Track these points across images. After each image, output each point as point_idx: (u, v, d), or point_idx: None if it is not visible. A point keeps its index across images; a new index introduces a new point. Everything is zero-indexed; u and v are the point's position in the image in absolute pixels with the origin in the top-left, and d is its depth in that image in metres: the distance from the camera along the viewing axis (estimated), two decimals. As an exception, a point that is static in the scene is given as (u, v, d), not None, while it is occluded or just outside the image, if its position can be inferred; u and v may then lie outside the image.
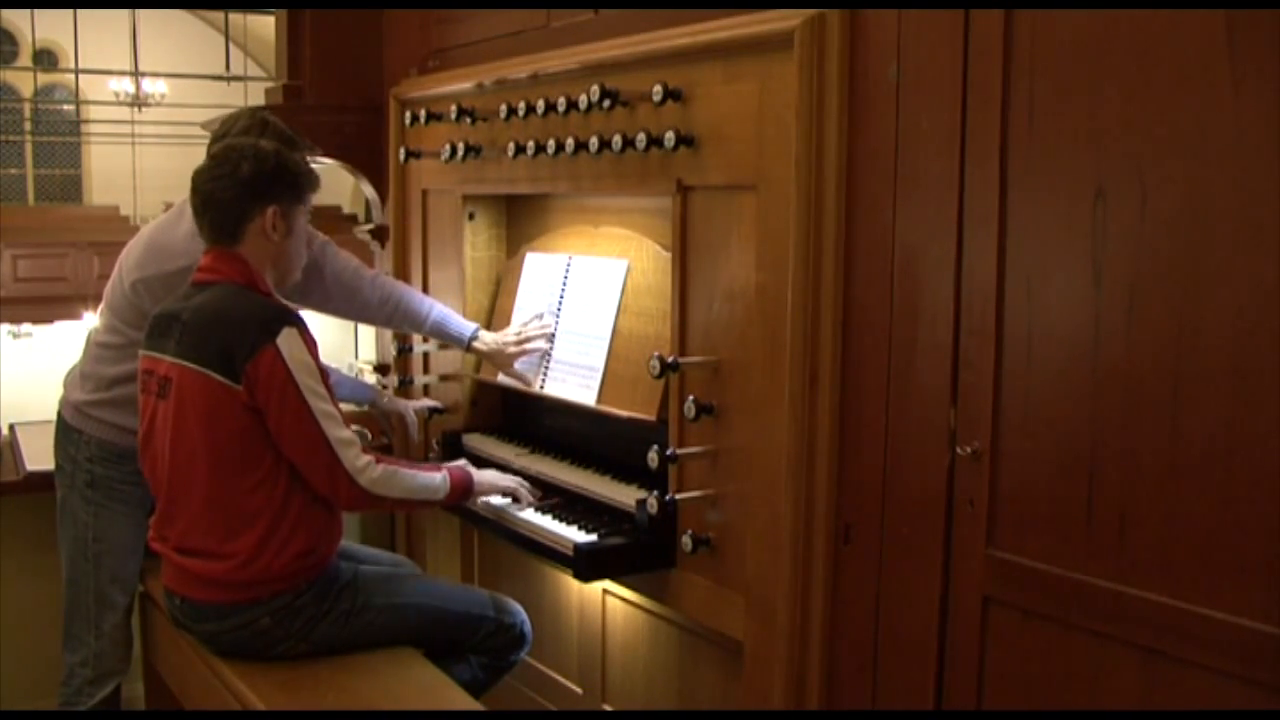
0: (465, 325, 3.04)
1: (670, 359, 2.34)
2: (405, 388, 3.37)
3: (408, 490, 2.50)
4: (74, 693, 2.89)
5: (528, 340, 2.91)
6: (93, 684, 2.89)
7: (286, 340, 2.35)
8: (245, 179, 2.45)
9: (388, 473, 2.45)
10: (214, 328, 2.38)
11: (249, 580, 2.39)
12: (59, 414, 2.94)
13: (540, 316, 2.93)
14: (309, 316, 2.58)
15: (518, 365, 2.93)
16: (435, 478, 2.56)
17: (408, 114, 3.27)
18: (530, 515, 2.64)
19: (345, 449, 2.39)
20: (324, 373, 2.43)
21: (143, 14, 15.12)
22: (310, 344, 2.40)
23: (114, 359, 2.83)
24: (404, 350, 3.36)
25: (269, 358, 2.33)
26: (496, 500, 2.70)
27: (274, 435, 2.37)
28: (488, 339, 2.98)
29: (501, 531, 2.70)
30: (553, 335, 2.90)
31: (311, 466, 2.39)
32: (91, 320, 13.74)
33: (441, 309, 3.06)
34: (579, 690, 2.96)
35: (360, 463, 2.41)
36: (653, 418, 2.53)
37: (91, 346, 2.92)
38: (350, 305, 3.03)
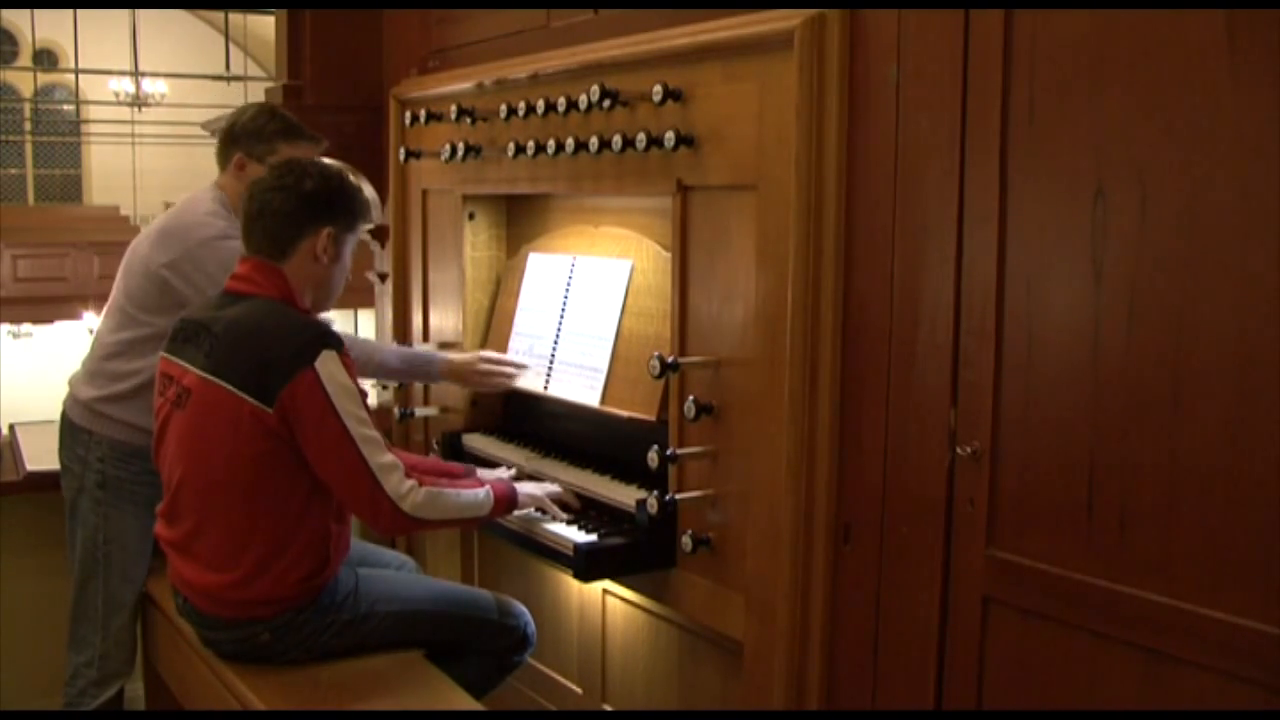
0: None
1: (670, 359, 2.34)
2: (402, 390, 3.37)
3: (451, 510, 2.39)
4: (78, 693, 2.88)
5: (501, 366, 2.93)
6: (98, 685, 2.88)
7: (325, 363, 2.26)
8: (308, 194, 2.38)
9: (431, 495, 2.35)
10: (249, 345, 2.30)
11: (250, 600, 2.37)
12: (64, 414, 2.92)
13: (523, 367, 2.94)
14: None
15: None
16: (479, 494, 2.46)
17: (408, 114, 3.27)
18: (529, 515, 2.64)
19: (388, 475, 2.30)
20: (363, 394, 2.36)
21: (143, 14, 15.15)
22: (349, 366, 2.32)
23: (135, 353, 2.81)
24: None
25: (307, 382, 2.25)
26: (535, 512, 2.62)
27: (311, 462, 2.30)
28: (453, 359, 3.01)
29: (501, 531, 2.70)
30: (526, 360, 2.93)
31: (352, 493, 2.32)
32: (92, 320, 13.79)
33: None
34: (579, 690, 2.96)
35: (404, 488, 2.31)
36: (653, 418, 2.53)
37: (100, 346, 2.90)
38: None
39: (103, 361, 2.86)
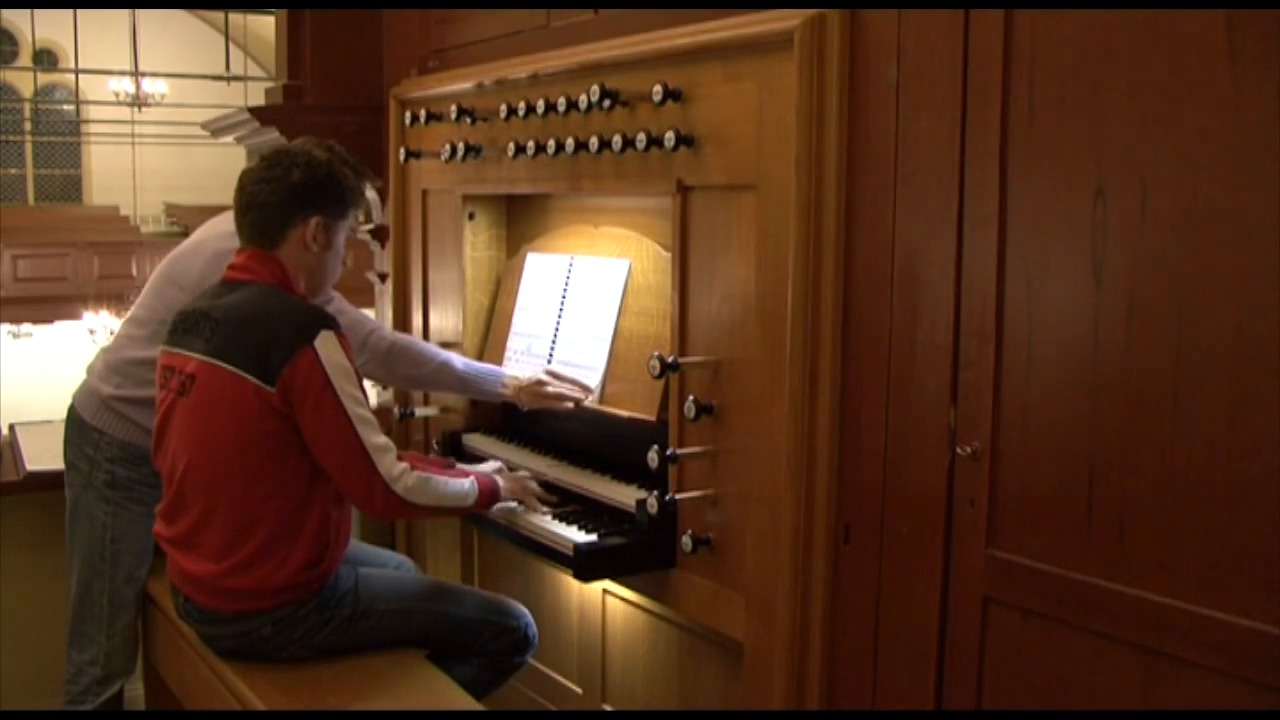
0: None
1: (670, 359, 2.34)
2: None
3: (440, 498, 2.45)
4: (82, 691, 2.88)
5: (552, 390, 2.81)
6: (100, 683, 2.88)
7: (324, 343, 2.31)
8: (294, 185, 2.41)
9: (421, 480, 2.40)
10: (250, 328, 2.33)
11: (250, 590, 2.37)
12: (73, 411, 2.89)
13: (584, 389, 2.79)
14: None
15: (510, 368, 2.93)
16: (464, 484, 2.51)
17: (408, 114, 3.27)
18: (531, 515, 2.64)
19: (381, 455, 2.35)
20: (360, 376, 2.40)
21: (143, 14, 15.14)
22: (347, 348, 2.37)
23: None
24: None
25: (307, 361, 2.29)
26: (514, 504, 2.65)
27: (308, 441, 2.33)
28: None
29: (501, 531, 2.70)
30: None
31: (346, 473, 2.35)
32: (92, 320, 13.80)
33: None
34: (579, 690, 2.96)
35: (396, 470, 2.36)
36: (653, 418, 2.53)
37: (129, 349, 2.85)
38: None
39: (132, 367, 2.82)
